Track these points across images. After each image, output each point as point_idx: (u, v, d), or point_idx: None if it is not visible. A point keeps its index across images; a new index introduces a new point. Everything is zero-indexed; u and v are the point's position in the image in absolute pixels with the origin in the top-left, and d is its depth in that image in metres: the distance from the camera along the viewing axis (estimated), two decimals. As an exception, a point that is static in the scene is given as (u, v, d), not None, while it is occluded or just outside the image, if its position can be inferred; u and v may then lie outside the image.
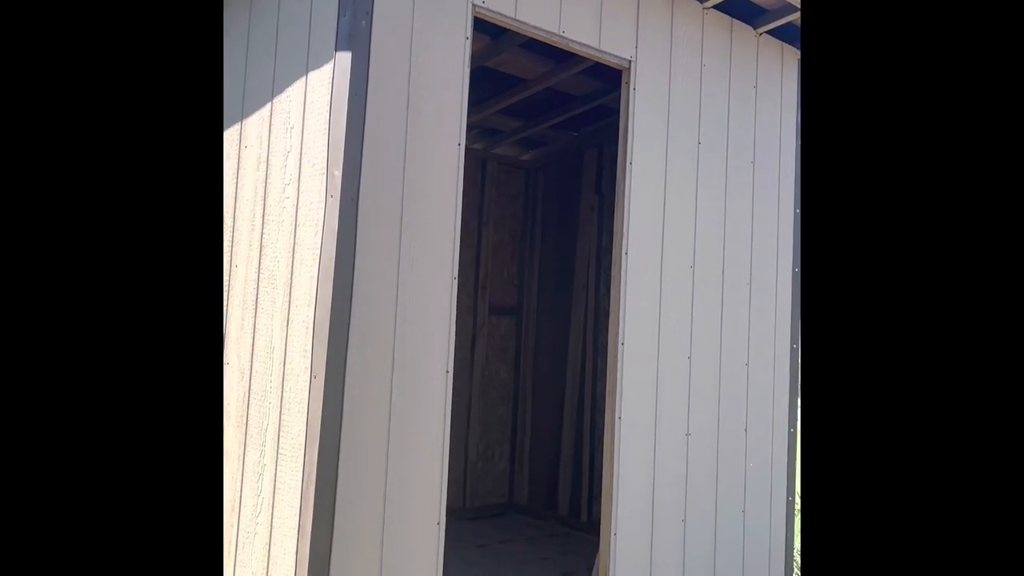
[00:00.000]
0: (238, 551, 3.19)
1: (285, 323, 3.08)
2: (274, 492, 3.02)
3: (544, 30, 3.56)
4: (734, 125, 4.37)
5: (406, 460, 3.05)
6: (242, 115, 3.54)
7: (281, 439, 3.03)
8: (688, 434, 4.07)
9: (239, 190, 3.49)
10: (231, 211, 3.52)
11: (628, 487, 3.80)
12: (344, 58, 2.93)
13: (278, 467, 3.02)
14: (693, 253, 4.15)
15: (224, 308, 3.45)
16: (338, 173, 2.88)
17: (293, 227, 3.10)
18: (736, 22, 4.39)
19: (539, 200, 6.86)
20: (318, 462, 2.81)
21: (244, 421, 3.26)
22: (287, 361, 3.05)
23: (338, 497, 2.86)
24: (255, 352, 3.25)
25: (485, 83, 5.39)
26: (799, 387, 4.69)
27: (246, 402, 3.27)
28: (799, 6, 4.18)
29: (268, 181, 3.30)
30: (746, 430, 4.35)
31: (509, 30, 3.72)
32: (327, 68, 3.01)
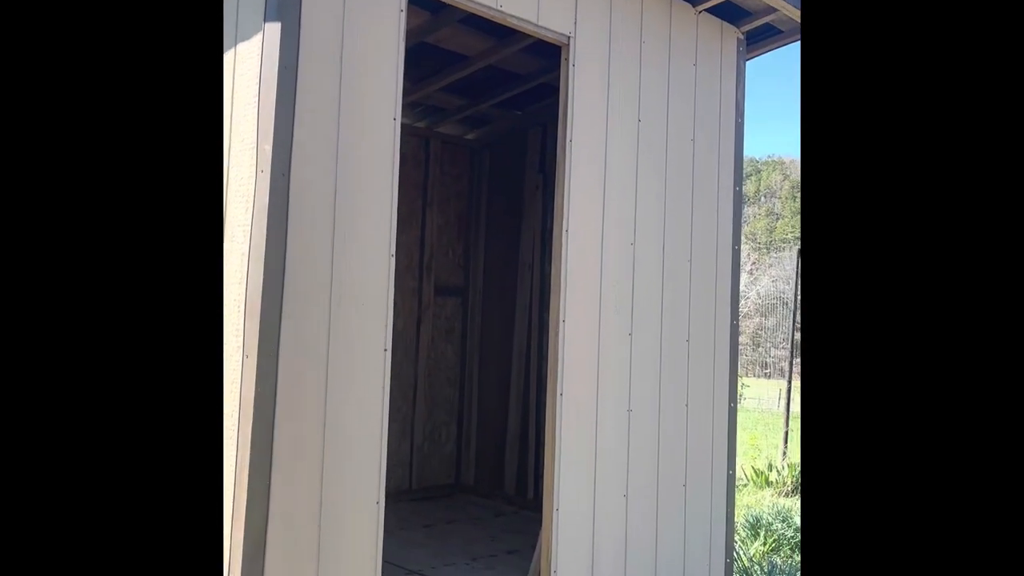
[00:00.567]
0: (172, 536, 3.12)
1: (217, 302, 3.01)
2: (207, 475, 2.96)
3: (481, 4, 3.52)
4: (674, 103, 4.39)
5: (344, 439, 3.01)
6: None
7: (214, 421, 2.96)
8: (630, 410, 4.10)
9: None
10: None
11: (570, 463, 3.81)
12: (273, 29, 2.85)
13: (211, 449, 2.96)
14: (634, 230, 4.16)
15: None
16: (268, 147, 2.81)
17: (223, 203, 3.02)
18: (676, 0, 4.40)
19: (484, 180, 6.83)
20: (251, 444, 2.75)
21: (176, 403, 3.18)
22: (219, 341, 2.97)
23: (273, 480, 2.81)
24: (187, 333, 3.17)
25: (426, 60, 5.32)
26: (736, 367, 4.75)
27: (178, 384, 3.18)
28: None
29: (198, 157, 3.20)
30: (687, 405, 4.40)
31: (448, 4, 3.66)
32: (256, 39, 2.93)
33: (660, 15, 4.31)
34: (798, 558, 6.36)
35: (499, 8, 3.58)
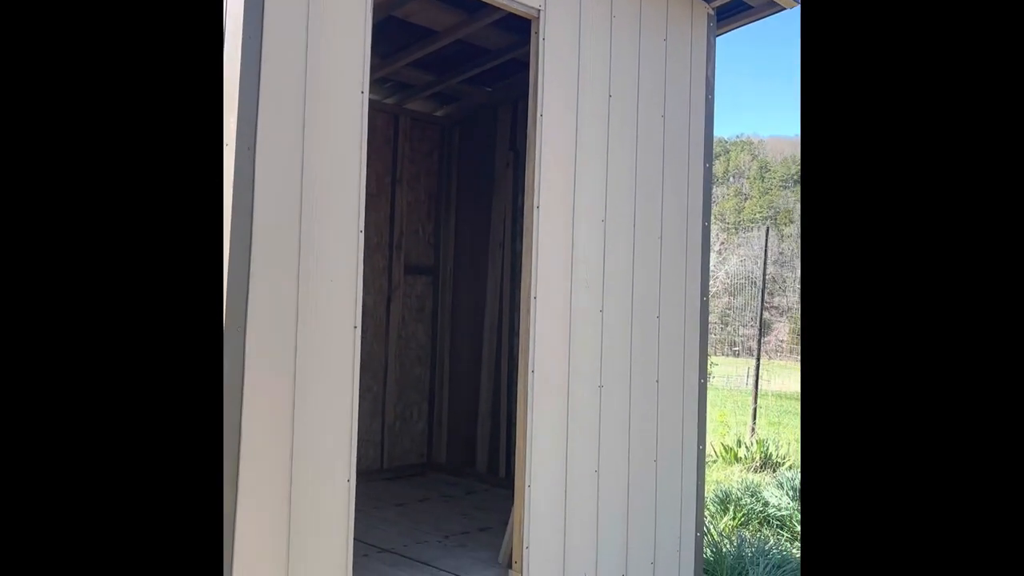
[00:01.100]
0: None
1: (181, 279, 2.95)
2: (174, 454, 2.91)
3: (451, -24, 3.46)
4: (644, 79, 4.37)
5: (314, 417, 2.98)
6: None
7: (180, 399, 2.91)
8: (601, 386, 4.11)
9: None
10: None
11: (541, 440, 3.82)
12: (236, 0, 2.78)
13: (178, 428, 2.91)
14: (605, 207, 4.15)
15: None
16: (233, 120, 2.74)
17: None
18: (646, -26, 4.36)
19: (454, 157, 6.77)
20: (219, 421, 2.71)
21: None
22: (184, 318, 2.92)
23: (242, 457, 2.77)
24: (151, 310, 3.10)
25: (395, 35, 5.24)
26: (701, 348, 4.76)
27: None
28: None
29: (160, 130, 3.13)
30: (658, 382, 4.41)
31: (415, -24, 3.60)
32: (219, 9, 2.85)
33: (631, -10, 4.28)
34: (766, 532, 6.45)
35: (468, -20, 3.52)
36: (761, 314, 11.66)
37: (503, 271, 6.31)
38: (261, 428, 2.83)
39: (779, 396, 17.81)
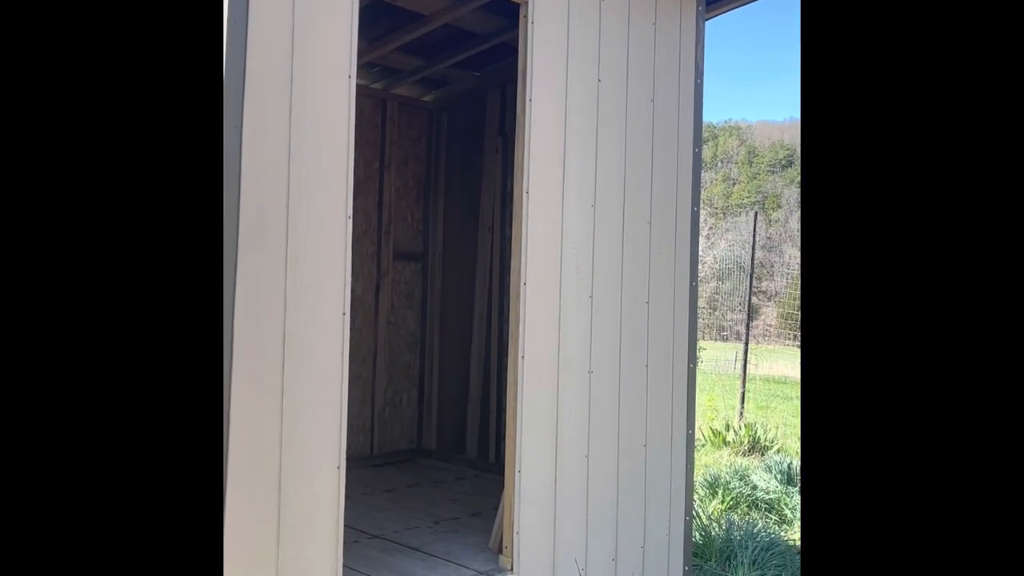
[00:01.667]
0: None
1: (168, 266, 2.92)
2: (162, 442, 2.90)
3: (438, -42, 3.43)
4: (633, 63, 4.35)
5: (302, 405, 2.97)
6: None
7: (168, 387, 2.89)
8: (590, 372, 4.11)
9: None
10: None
11: (531, 425, 3.82)
12: (221, -19, 2.74)
13: (166, 416, 2.89)
14: (594, 192, 4.14)
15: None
16: (218, 105, 2.71)
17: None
18: (635, -43, 4.34)
19: (442, 142, 6.74)
20: (208, 409, 2.70)
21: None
22: (171, 306, 2.90)
23: (230, 445, 2.76)
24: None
25: (383, 19, 5.20)
26: (693, 334, 4.77)
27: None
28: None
29: (145, 115, 3.09)
30: (647, 366, 4.42)
31: (402, -42, 3.56)
32: (203, -8, 2.82)
33: (620, -27, 4.25)
34: (755, 515, 6.50)
35: (456, -37, 3.49)
36: (749, 299, 11.70)
37: (492, 257, 6.30)
38: (250, 416, 2.81)
39: (767, 380, 17.93)
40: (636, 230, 4.36)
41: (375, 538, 4.34)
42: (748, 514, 6.55)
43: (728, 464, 8.06)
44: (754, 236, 12.03)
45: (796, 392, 14.54)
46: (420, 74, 6.22)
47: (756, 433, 9.43)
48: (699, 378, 11.50)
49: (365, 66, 6.06)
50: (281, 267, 2.91)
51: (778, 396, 15.03)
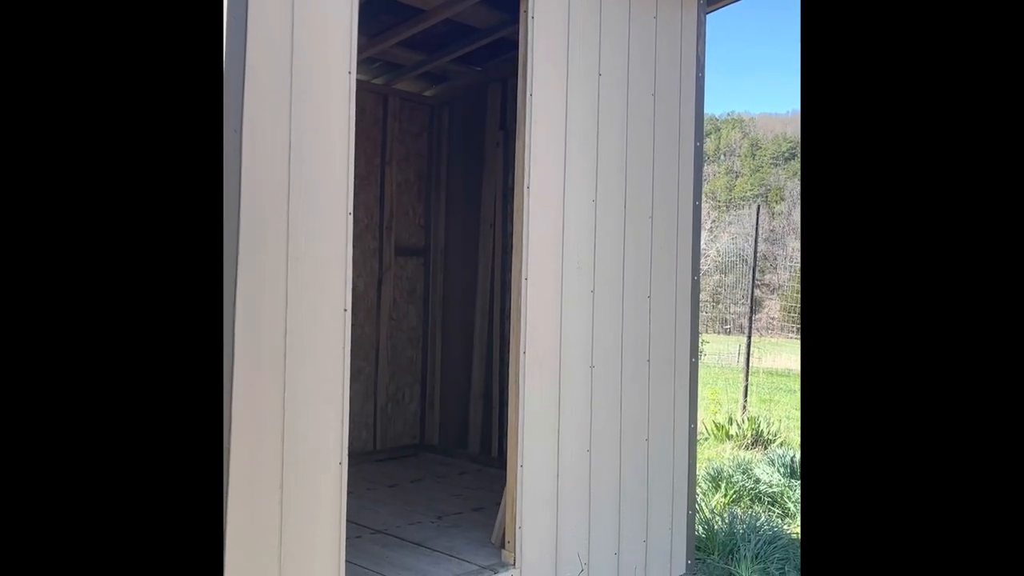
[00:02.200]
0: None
1: (169, 263, 2.92)
2: (165, 439, 2.90)
3: (438, -47, 3.42)
4: (634, 57, 4.33)
5: (305, 400, 2.97)
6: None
7: (170, 384, 2.90)
8: (592, 366, 4.11)
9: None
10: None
11: (534, 420, 3.82)
12: (220, -23, 2.73)
13: (168, 413, 2.90)
14: (596, 186, 4.13)
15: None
16: (218, 102, 2.71)
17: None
18: (636, -50, 4.32)
19: (444, 137, 6.73)
20: (210, 406, 2.70)
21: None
22: (173, 303, 2.90)
23: (233, 440, 2.76)
24: (139, 295, 3.08)
25: (383, 14, 5.19)
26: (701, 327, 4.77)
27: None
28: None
29: (145, 113, 3.09)
30: (649, 361, 4.42)
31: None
32: (203, -12, 2.81)
33: (620, -34, 4.24)
34: (758, 508, 6.50)
35: (456, -43, 3.48)
36: (752, 292, 11.69)
37: (494, 252, 6.29)
38: (252, 411, 2.82)
39: (770, 373, 17.91)
40: (637, 225, 4.35)
41: (378, 533, 4.35)
42: (751, 508, 6.55)
43: (731, 458, 8.06)
44: (757, 229, 12.01)
45: (799, 385, 14.52)
46: (421, 69, 6.22)
47: (759, 426, 9.43)
48: (702, 371, 11.50)
49: (366, 61, 6.05)
50: (282, 264, 2.91)
51: (781, 389, 15.03)
